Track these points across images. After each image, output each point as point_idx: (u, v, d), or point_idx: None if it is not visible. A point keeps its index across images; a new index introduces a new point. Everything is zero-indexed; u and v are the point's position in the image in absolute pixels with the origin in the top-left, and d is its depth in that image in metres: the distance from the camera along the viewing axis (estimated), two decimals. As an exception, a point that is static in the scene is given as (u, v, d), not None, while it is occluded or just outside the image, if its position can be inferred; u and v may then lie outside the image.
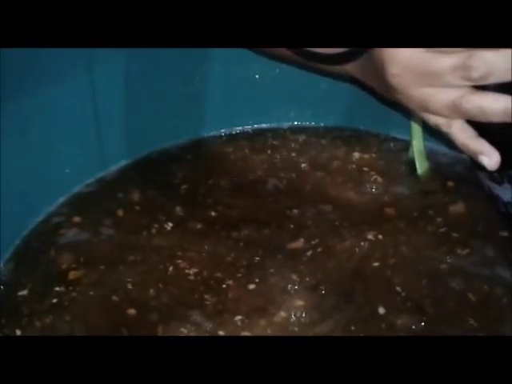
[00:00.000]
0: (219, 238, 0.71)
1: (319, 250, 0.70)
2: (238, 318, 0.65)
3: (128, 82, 0.78)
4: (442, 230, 0.72)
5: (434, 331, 0.63)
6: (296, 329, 0.64)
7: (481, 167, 0.60)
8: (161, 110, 0.80)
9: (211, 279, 0.68)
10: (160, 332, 0.64)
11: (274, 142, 0.82)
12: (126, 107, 0.78)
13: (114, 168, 0.79)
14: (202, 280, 0.68)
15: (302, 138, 0.83)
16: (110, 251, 0.71)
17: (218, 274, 0.68)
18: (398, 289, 0.67)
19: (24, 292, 0.68)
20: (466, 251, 0.69)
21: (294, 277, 0.68)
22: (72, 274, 0.69)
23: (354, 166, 0.79)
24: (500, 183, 0.64)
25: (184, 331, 0.64)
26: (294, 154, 0.81)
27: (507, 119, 0.57)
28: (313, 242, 0.71)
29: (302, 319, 0.65)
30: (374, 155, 0.80)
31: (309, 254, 0.70)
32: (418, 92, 0.60)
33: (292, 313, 0.65)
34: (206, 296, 0.67)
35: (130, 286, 0.68)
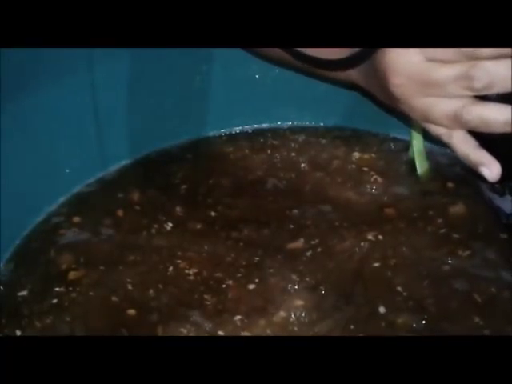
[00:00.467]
0: (219, 238, 0.71)
1: (319, 250, 0.70)
2: (238, 317, 0.65)
3: (128, 82, 0.78)
4: (442, 230, 0.71)
5: (436, 329, 0.63)
6: (296, 329, 0.64)
7: (482, 178, 0.60)
8: (161, 109, 0.80)
9: (211, 279, 0.68)
10: (160, 332, 0.64)
11: (274, 142, 0.82)
12: (126, 107, 0.78)
13: (114, 168, 0.79)
14: (201, 280, 0.68)
15: (301, 137, 0.83)
16: (109, 251, 0.71)
17: (218, 274, 0.68)
18: (399, 289, 0.66)
19: (24, 292, 0.68)
20: (467, 253, 0.69)
21: (294, 277, 0.68)
22: (72, 275, 0.69)
23: (353, 166, 0.79)
24: (501, 194, 0.63)
25: (184, 331, 0.64)
26: (293, 154, 0.81)
27: (508, 130, 0.57)
28: (312, 242, 0.71)
29: (302, 319, 0.65)
30: (373, 155, 0.80)
31: (308, 254, 0.70)
32: (419, 102, 0.60)
33: (292, 313, 0.65)
34: (205, 296, 0.67)
35: (129, 287, 0.68)
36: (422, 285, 0.67)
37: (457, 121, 0.59)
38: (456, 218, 0.73)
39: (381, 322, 0.64)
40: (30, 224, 0.74)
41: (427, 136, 0.77)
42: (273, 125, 0.84)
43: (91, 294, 0.67)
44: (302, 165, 0.80)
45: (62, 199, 0.76)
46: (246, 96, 0.82)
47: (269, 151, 0.81)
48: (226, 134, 0.83)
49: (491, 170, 0.59)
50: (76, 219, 0.74)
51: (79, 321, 0.65)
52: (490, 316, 0.64)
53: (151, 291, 0.67)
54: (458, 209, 0.73)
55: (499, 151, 0.59)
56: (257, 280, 0.68)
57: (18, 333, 0.64)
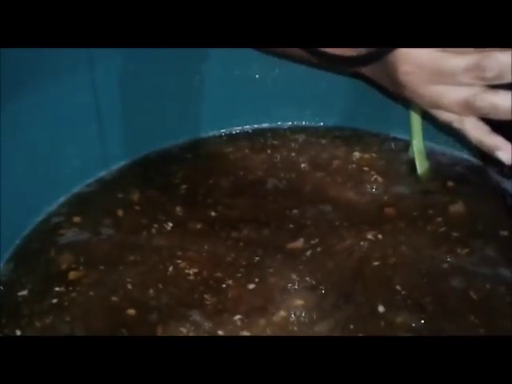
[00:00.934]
0: (219, 238, 0.71)
1: (319, 249, 0.70)
2: (238, 317, 0.65)
3: (128, 82, 0.78)
4: (442, 229, 0.72)
5: (435, 328, 0.63)
6: (295, 328, 0.64)
7: (492, 162, 0.61)
8: (161, 109, 0.80)
9: (211, 279, 0.68)
10: (160, 332, 0.64)
11: (274, 142, 0.82)
12: (126, 107, 0.78)
13: (114, 168, 0.79)
14: (201, 280, 0.68)
15: (301, 137, 0.83)
16: (109, 251, 0.71)
17: (218, 274, 0.68)
18: (398, 288, 0.67)
19: (24, 292, 0.68)
20: (466, 250, 0.69)
21: (294, 276, 0.68)
22: (72, 274, 0.69)
23: (354, 166, 0.79)
24: (510, 177, 0.64)
25: (183, 331, 0.64)
26: (293, 154, 0.81)
27: None
28: (312, 242, 0.71)
29: (302, 318, 0.65)
30: (374, 155, 0.80)
31: (308, 253, 0.70)
32: (429, 90, 0.60)
33: (291, 312, 0.65)
34: (205, 296, 0.67)
35: (129, 286, 0.68)
36: (420, 283, 0.67)
37: (468, 108, 0.59)
38: (456, 216, 0.73)
39: (380, 322, 0.64)
40: (30, 224, 0.74)
41: (427, 136, 0.77)
42: (273, 125, 0.84)
43: (91, 293, 0.67)
44: (302, 165, 0.80)
45: (62, 199, 0.76)
46: (245, 96, 0.82)
47: (269, 151, 0.81)
48: (225, 133, 0.83)
49: (507, 152, 0.60)
50: (76, 219, 0.74)
51: (79, 321, 0.65)
52: (486, 313, 0.64)
53: (151, 291, 0.67)
54: (457, 208, 0.73)
55: (510, 137, 0.60)
56: (257, 280, 0.68)
57: (18, 333, 0.64)
